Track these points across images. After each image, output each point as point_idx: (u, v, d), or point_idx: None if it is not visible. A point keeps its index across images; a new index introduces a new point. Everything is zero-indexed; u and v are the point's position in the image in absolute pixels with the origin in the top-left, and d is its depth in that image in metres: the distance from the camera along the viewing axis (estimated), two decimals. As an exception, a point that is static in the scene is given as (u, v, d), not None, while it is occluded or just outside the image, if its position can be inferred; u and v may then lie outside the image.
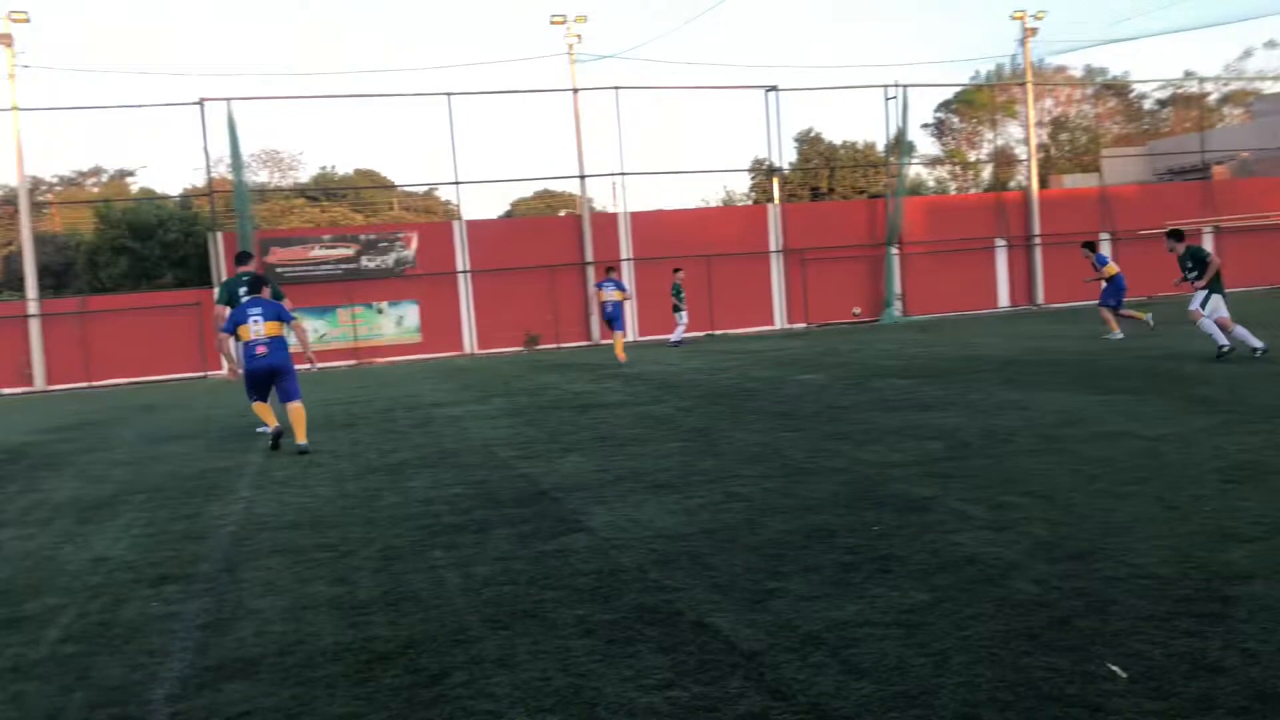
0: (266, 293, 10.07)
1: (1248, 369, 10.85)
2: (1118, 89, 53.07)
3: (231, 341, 9.96)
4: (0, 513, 7.56)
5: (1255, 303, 23.73)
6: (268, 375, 9.68)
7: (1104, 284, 17.32)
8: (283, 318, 9.78)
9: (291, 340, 9.98)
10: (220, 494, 7.66)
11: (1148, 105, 55.59)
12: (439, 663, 3.73)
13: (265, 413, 9.91)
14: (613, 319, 19.38)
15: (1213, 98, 51.28)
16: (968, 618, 3.81)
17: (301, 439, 9.57)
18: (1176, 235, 13.25)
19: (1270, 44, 70.29)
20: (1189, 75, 47.16)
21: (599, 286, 20.29)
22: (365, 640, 4.04)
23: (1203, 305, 12.28)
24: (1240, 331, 11.99)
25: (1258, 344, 11.81)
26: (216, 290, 11.22)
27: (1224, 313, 12.18)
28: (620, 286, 19.63)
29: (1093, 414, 8.54)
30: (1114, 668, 3.25)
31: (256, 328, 9.57)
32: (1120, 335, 16.55)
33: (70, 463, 10.17)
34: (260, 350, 9.57)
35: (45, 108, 23.94)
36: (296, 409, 9.67)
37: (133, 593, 5.00)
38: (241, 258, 11.58)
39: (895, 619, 3.85)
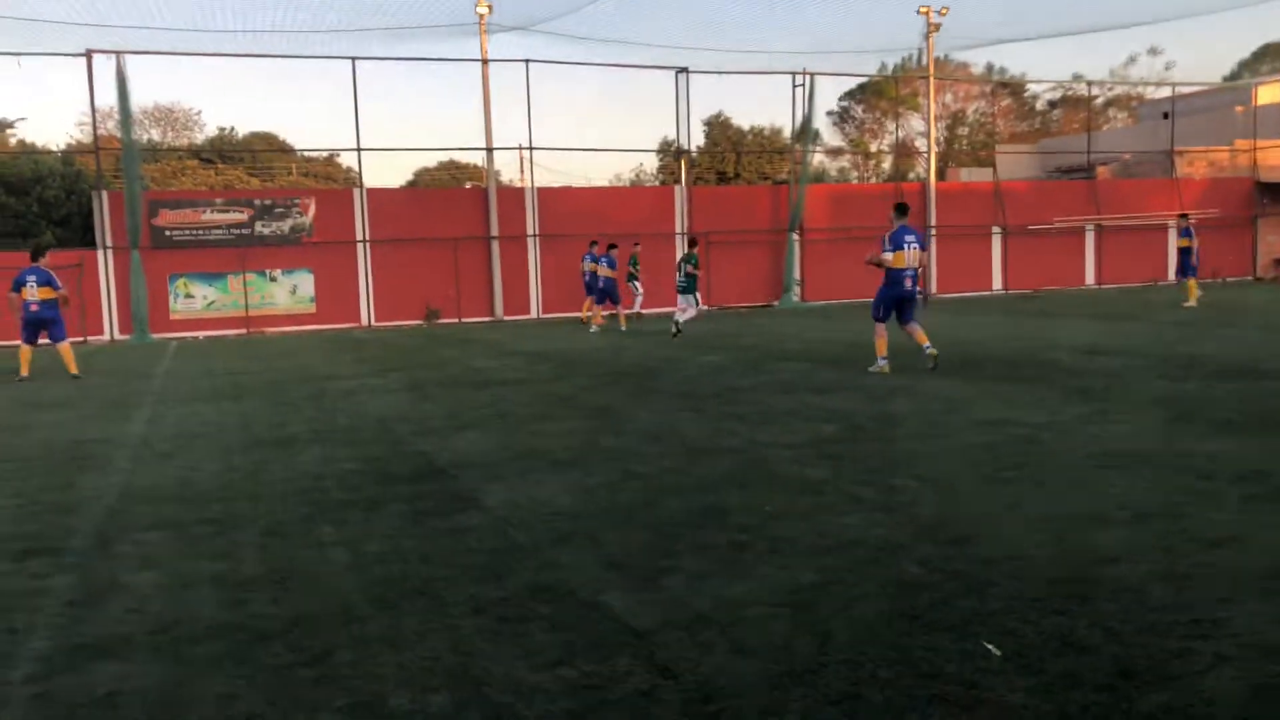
0: (45, 260, 14.20)
1: (1124, 363, 11.36)
2: (1013, 88, 54.84)
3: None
4: None
5: (1132, 295, 24.87)
6: (38, 324, 13.94)
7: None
8: (52, 284, 13.86)
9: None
10: (97, 465, 7.34)
11: (1039, 105, 57.67)
12: (323, 642, 3.64)
13: (26, 358, 14.02)
14: (606, 291, 21.17)
15: (1099, 101, 53.43)
16: (854, 598, 3.90)
17: (73, 370, 13.90)
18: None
19: (1153, 50, 73.45)
20: (1077, 78, 48.94)
21: (596, 261, 21.46)
22: (247, 618, 3.92)
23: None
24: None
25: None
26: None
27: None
28: (612, 264, 21.08)
29: (978, 401, 8.83)
30: (989, 646, 3.37)
31: (31, 291, 13.76)
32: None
33: (-68, 429, 9.60)
34: (34, 307, 13.81)
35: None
36: (65, 348, 14.08)
37: (-4, 567, 4.75)
38: (35, 254, 14.42)
39: (784, 599, 3.92)
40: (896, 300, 11.26)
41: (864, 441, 7.16)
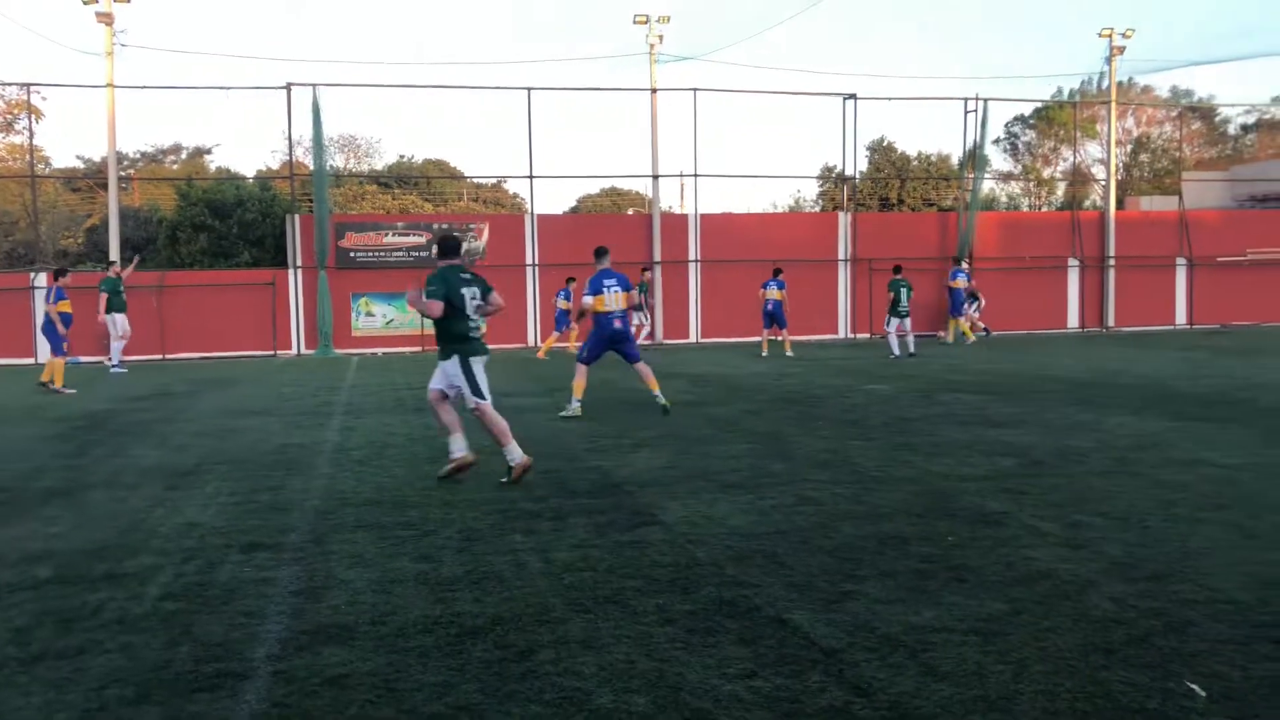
0: (64, 280, 16.36)
1: (1330, 403, 10.61)
2: (1203, 111, 51.81)
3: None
4: (90, 475, 7.89)
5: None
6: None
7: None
8: (49, 299, 16.08)
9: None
10: (301, 469, 7.92)
11: (1232, 130, 54.23)
12: (526, 640, 3.87)
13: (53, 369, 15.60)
14: (774, 316, 21.21)
15: (1301, 124, 49.84)
16: (1045, 630, 3.86)
17: (43, 378, 15.67)
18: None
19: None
20: (1276, 100, 45.86)
21: (764, 286, 21.60)
22: (453, 615, 4.20)
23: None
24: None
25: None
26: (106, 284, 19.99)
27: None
28: (782, 285, 21.26)
29: (1168, 439, 8.45)
30: (1193, 686, 3.28)
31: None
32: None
33: (152, 431, 10.54)
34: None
35: (139, 86, 24.74)
36: (51, 361, 15.71)
37: (225, 557, 5.23)
38: (57, 275, 16.74)
39: (972, 626, 3.91)
40: (607, 341, 11.30)
41: (1046, 476, 6.97)
